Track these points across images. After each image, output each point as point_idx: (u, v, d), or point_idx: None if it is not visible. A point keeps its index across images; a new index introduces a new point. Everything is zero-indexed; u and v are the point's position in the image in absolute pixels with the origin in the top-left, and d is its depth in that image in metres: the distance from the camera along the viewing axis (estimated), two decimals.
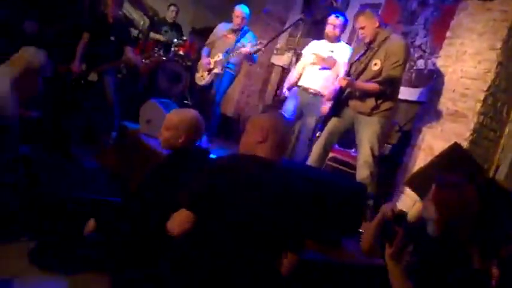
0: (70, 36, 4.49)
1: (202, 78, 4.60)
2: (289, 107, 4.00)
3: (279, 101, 4.53)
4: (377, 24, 3.25)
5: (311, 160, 3.45)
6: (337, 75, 3.75)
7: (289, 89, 4.07)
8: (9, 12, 4.62)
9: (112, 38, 4.31)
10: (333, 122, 3.44)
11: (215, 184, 1.60)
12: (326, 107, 3.55)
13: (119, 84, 4.64)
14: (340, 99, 3.44)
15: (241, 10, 4.45)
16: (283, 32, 4.65)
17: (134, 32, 5.85)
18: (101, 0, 5.07)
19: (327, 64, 3.89)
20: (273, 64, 6.10)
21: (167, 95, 5.10)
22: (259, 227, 1.61)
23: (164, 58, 5.23)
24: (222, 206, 1.59)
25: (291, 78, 4.11)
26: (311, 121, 3.92)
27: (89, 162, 3.79)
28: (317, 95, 3.89)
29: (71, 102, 4.36)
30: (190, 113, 2.26)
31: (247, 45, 4.30)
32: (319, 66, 3.92)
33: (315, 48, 4.03)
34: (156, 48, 5.26)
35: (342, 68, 3.78)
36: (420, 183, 2.71)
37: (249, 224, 1.60)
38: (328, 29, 3.91)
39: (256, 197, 1.61)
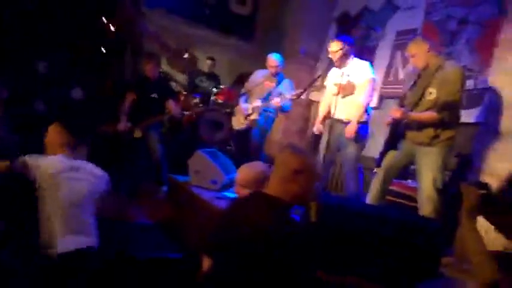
0: (114, 96, 4.67)
1: (240, 123, 4.68)
2: (324, 141, 3.89)
3: (316, 137, 4.47)
4: (427, 48, 3.12)
5: (371, 197, 3.27)
6: (366, 94, 3.69)
7: (321, 123, 4.01)
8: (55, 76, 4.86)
9: (154, 95, 4.43)
10: (390, 156, 3.27)
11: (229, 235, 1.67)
12: (352, 129, 3.52)
13: (163, 138, 4.72)
14: (396, 131, 3.28)
15: (273, 59, 4.54)
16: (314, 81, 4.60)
17: (173, 85, 6.02)
18: (141, 60, 5.31)
19: (348, 90, 3.78)
20: (312, 101, 6.06)
21: (210, 143, 5.15)
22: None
23: (204, 108, 5.31)
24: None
25: (320, 113, 4.08)
26: (351, 150, 3.77)
27: (141, 219, 3.78)
28: (349, 123, 3.75)
29: (118, 161, 4.45)
30: (261, 167, 2.38)
31: (282, 96, 4.31)
32: (341, 95, 3.79)
33: (334, 77, 3.96)
34: (196, 100, 5.37)
35: (367, 85, 3.71)
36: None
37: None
38: (331, 56, 3.81)
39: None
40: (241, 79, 5.74)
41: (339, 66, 3.79)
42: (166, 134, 5.34)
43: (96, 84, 5.16)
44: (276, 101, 4.33)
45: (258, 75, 4.73)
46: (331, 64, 3.87)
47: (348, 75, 3.74)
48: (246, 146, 4.78)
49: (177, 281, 2.20)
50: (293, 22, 6.43)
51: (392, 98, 4.74)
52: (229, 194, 3.41)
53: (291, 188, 1.70)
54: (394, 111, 3.12)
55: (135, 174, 4.60)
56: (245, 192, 2.26)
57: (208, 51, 6.26)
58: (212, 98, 5.62)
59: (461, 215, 1.62)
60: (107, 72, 5.34)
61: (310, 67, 6.01)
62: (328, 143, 3.76)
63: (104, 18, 5.41)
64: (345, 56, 3.74)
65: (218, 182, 3.54)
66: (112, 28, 5.47)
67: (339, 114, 3.76)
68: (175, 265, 2.42)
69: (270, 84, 4.57)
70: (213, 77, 6.09)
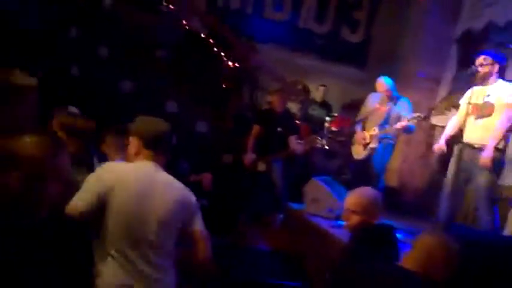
0: (234, 129, 4.95)
1: (358, 152, 4.52)
2: (452, 168, 3.53)
3: (442, 162, 4.10)
4: None
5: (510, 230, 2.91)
6: (505, 117, 3.23)
7: (446, 143, 3.60)
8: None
9: (279, 129, 4.56)
10: None
11: None
12: (488, 156, 3.11)
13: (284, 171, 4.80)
14: None
15: (382, 82, 4.36)
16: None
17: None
18: (257, 93, 5.60)
19: (484, 112, 3.34)
20: (434, 126, 5.70)
21: (324, 171, 5.11)
22: None
23: (320, 139, 5.31)
24: None
25: (445, 131, 3.69)
26: (486, 179, 3.30)
27: (260, 245, 3.88)
28: (482, 149, 3.30)
29: (241, 192, 4.66)
30: (373, 192, 2.30)
31: (403, 118, 4.11)
32: (475, 116, 3.40)
33: (471, 96, 3.52)
34: (312, 131, 5.40)
35: (509, 108, 3.24)
36: None
37: None
38: (477, 71, 3.40)
39: None
40: (354, 106, 5.65)
41: (481, 84, 3.42)
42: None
43: (218, 118, 5.55)
44: (396, 127, 4.14)
45: (372, 100, 4.58)
46: (472, 82, 3.51)
47: (489, 95, 3.36)
48: (364, 174, 4.64)
49: None
50: (410, 45, 6.21)
51: None
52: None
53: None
54: None
55: (257, 205, 4.75)
56: (355, 218, 2.18)
57: (321, 80, 6.32)
58: (325, 126, 5.61)
59: None
60: (227, 106, 5.71)
61: (429, 90, 5.69)
62: (457, 170, 3.40)
63: (223, 54, 5.86)
64: (489, 74, 3.36)
65: (334, 210, 3.51)
66: (230, 64, 5.88)
67: (471, 138, 3.39)
68: None
69: (385, 109, 4.38)
70: (325, 105, 6.11)
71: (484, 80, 3.37)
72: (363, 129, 4.53)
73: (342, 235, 3.06)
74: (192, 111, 5.36)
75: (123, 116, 2.39)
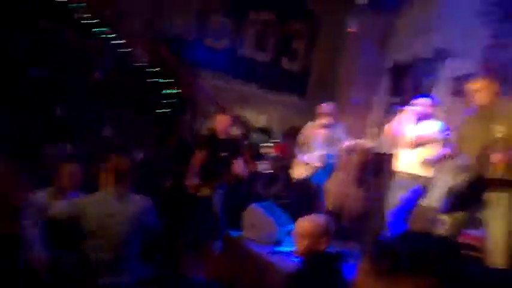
0: (177, 154, 4.86)
1: (299, 173, 4.67)
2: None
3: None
4: (495, 86, 2.95)
5: None
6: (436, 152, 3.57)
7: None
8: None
9: (223, 154, 4.52)
10: None
11: None
12: None
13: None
14: None
15: (324, 107, 4.63)
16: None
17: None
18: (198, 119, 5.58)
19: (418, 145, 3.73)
20: (368, 149, 5.95)
21: (265, 196, 5.13)
22: None
23: (259, 164, 5.36)
24: None
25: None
26: None
27: (196, 275, 3.76)
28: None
29: (180, 217, 4.54)
30: (322, 219, 2.35)
31: (342, 140, 4.42)
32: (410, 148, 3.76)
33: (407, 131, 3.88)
34: (254, 156, 5.44)
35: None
36: None
37: None
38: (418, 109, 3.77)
39: None
40: (293, 132, 5.79)
41: (414, 122, 3.77)
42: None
43: (158, 143, 5.44)
44: (338, 147, 4.45)
45: (310, 127, 4.79)
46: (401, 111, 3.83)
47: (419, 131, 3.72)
48: (304, 197, 4.73)
49: None
50: (345, 74, 6.51)
51: None
52: (284, 248, 3.34)
53: None
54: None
55: (196, 232, 4.63)
56: (304, 244, 2.22)
57: (262, 107, 6.44)
58: (265, 151, 5.68)
59: None
60: (168, 131, 5.62)
61: (362, 117, 5.96)
62: None
63: (164, 80, 5.81)
64: (428, 114, 3.75)
65: (273, 236, 3.50)
66: (172, 90, 5.84)
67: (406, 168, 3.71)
68: None
69: (323, 133, 4.61)
70: (266, 132, 6.20)
71: (422, 118, 3.72)
72: (303, 152, 4.70)
73: (281, 261, 3.06)
74: (130, 136, 5.22)
75: (57, 139, 2.33)
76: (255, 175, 5.46)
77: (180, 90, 5.92)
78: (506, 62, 4.33)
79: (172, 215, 4.41)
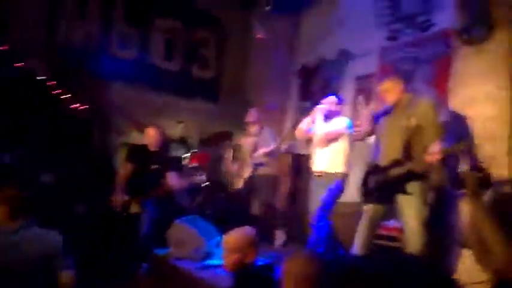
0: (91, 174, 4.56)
1: (236, 183, 4.79)
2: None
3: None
4: (401, 85, 3.24)
5: None
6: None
7: None
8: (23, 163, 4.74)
9: (154, 166, 4.31)
10: None
11: None
12: None
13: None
14: None
15: (251, 113, 4.82)
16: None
17: None
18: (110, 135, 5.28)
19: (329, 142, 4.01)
20: (285, 154, 6.10)
21: (189, 210, 5.01)
22: None
23: (196, 176, 5.23)
24: None
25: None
26: None
27: None
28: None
29: (109, 237, 4.26)
30: (250, 231, 2.36)
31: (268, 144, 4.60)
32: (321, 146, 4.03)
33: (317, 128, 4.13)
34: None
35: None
36: None
37: None
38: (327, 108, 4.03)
39: None
40: (211, 140, 5.77)
41: (323, 120, 3.99)
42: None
43: (67, 165, 5.03)
44: (262, 151, 4.55)
45: (242, 136, 5.01)
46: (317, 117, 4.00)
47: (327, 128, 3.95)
48: (230, 207, 4.76)
49: None
50: (256, 78, 6.61)
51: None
52: (213, 262, 3.28)
53: None
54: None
55: (126, 251, 4.33)
56: (232, 257, 2.22)
57: (177, 116, 6.28)
58: (184, 163, 5.57)
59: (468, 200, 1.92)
60: (78, 151, 5.24)
61: (278, 120, 6.11)
62: None
63: (67, 96, 5.40)
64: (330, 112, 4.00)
65: (201, 250, 3.42)
66: (77, 105, 5.46)
67: (321, 167, 3.91)
68: None
69: (251, 140, 4.74)
70: (183, 143, 6.07)
71: (329, 116, 4.00)
72: (234, 160, 4.74)
73: (211, 277, 3.00)
74: (33, 161, 4.77)
75: None
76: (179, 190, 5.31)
77: (87, 105, 5.56)
78: (401, 61, 4.72)
79: (100, 236, 4.17)
